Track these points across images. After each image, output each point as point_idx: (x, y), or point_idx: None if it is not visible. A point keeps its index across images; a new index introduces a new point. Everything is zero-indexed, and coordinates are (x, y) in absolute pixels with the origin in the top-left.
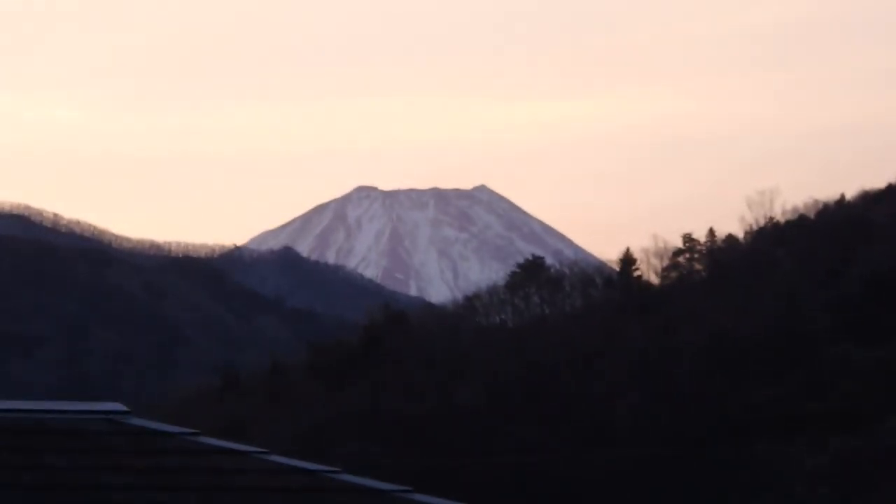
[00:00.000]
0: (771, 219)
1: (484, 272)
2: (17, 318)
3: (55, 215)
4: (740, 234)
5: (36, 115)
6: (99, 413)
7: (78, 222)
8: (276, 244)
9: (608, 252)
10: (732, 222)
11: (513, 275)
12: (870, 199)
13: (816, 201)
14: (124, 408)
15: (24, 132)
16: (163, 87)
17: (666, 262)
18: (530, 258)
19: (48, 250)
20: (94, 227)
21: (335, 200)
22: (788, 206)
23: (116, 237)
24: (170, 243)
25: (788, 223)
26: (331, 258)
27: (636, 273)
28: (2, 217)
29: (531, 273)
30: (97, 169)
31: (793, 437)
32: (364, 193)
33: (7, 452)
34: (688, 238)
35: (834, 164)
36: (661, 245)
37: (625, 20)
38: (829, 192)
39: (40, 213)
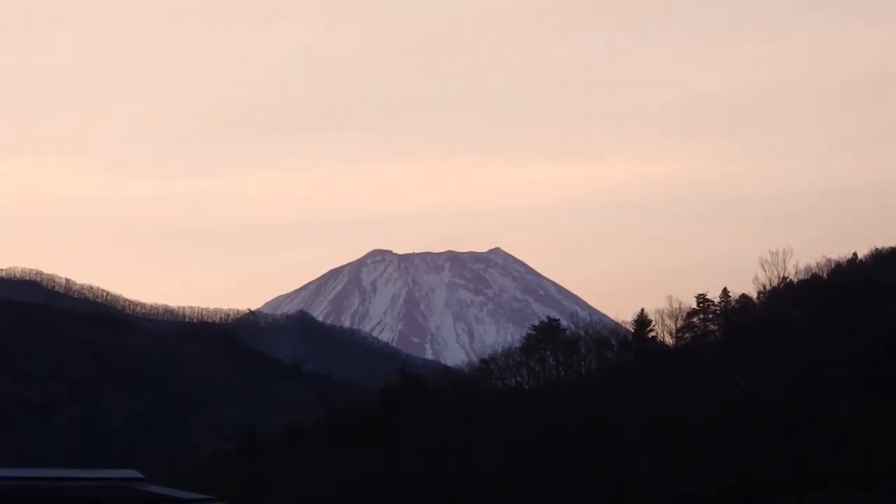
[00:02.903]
0: (784, 278)
1: (500, 335)
2: (33, 383)
3: (67, 280)
4: (754, 294)
5: (47, 182)
6: (114, 481)
7: (91, 287)
8: (290, 309)
9: (623, 313)
10: (746, 282)
11: (528, 337)
12: (881, 259)
13: (829, 261)
14: (139, 475)
15: (36, 198)
16: (176, 155)
17: (681, 323)
18: (546, 320)
19: (62, 315)
20: (107, 293)
21: (350, 264)
22: (801, 266)
23: (130, 303)
24: (184, 308)
25: (802, 283)
26: (346, 322)
27: (651, 334)
28: (14, 283)
29: (547, 335)
30: (109, 235)
31: (811, 494)
32: (379, 257)
33: None
34: (702, 299)
35: (845, 223)
36: (675, 306)
37: (637, 84)
38: (841, 251)
39: (52, 278)
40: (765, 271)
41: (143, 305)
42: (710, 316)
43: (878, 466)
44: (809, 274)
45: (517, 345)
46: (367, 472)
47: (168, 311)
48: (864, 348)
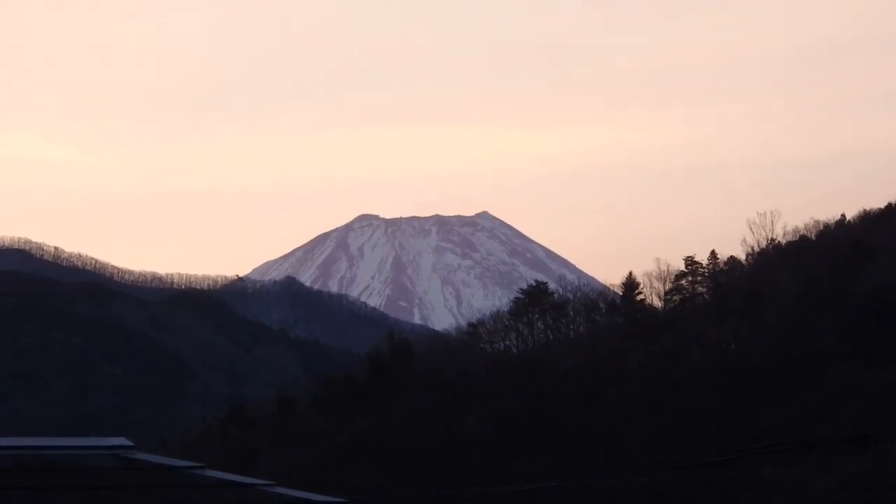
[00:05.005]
0: (772, 240)
1: (487, 299)
2: (22, 354)
3: (56, 249)
4: (742, 256)
5: (35, 152)
6: (104, 449)
7: (79, 255)
8: (278, 274)
9: (611, 276)
10: (734, 245)
11: (516, 301)
12: (870, 220)
13: (817, 222)
14: (129, 443)
15: (23, 168)
16: (162, 122)
17: (669, 286)
18: (534, 284)
19: (51, 286)
20: (96, 261)
21: (337, 229)
22: (789, 228)
23: (118, 270)
24: (172, 275)
25: (790, 244)
26: (334, 287)
27: (639, 297)
28: (2, 251)
29: (535, 299)
30: (97, 203)
31: (801, 461)
32: (366, 222)
33: (14, 491)
34: (690, 261)
35: (834, 185)
36: (663, 269)
37: (625, 50)
38: (829, 213)
39: (41, 246)
40: (753, 233)
41: (130, 273)
42: (699, 278)
43: (868, 432)
44: (797, 235)
45: (505, 308)
46: (356, 438)
47: (156, 278)
48: (854, 312)
